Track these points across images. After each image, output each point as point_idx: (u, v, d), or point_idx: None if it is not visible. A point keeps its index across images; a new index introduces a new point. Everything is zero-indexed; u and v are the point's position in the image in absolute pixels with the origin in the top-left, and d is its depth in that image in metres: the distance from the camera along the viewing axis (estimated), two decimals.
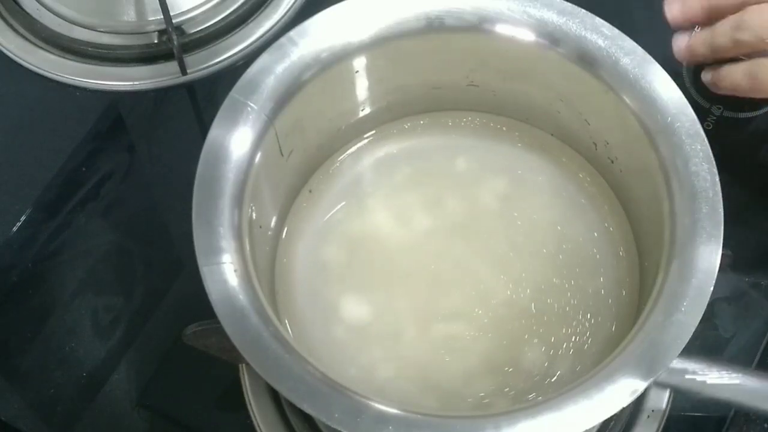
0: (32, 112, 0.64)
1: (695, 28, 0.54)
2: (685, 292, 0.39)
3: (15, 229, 0.59)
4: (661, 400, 0.52)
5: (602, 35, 0.45)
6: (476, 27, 0.46)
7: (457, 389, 0.46)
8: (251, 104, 0.43)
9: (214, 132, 0.43)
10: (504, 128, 0.52)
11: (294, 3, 0.66)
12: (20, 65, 0.64)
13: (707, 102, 0.60)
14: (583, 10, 0.45)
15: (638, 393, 0.37)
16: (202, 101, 0.64)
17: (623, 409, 0.38)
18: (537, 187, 0.50)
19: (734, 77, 0.52)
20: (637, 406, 0.52)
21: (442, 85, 0.50)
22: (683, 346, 0.38)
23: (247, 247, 0.41)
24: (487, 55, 0.48)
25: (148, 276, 0.59)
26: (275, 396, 0.52)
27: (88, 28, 0.66)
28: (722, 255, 0.40)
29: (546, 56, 0.46)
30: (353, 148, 0.52)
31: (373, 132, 0.52)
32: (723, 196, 0.41)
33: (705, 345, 0.53)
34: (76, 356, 0.55)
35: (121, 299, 0.57)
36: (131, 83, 0.63)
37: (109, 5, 0.66)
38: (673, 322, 0.38)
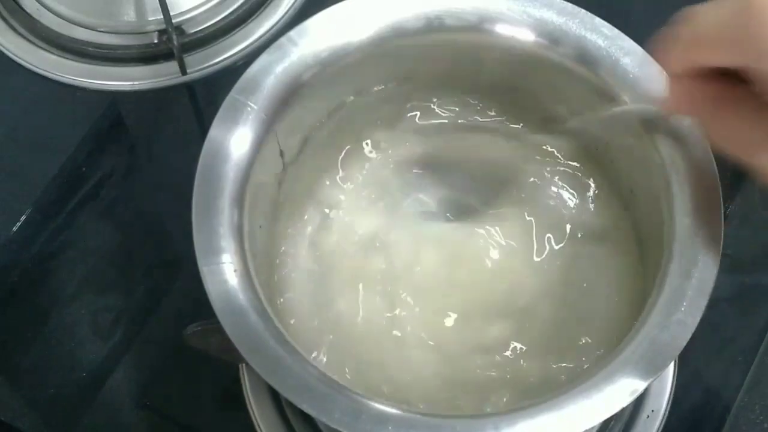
0: (32, 112, 0.64)
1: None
2: (685, 292, 0.39)
3: (15, 229, 0.59)
4: (661, 400, 0.52)
5: (602, 35, 0.45)
6: (476, 27, 0.46)
7: (457, 390, 0.46)
8: (251, 104, 0.43)
9: (214, 132, 0.43)
10: (504, 128, 0.52)
11: (294, 3, 0.66)
12: (20, 65, 0.64)
13: None
14: (583, 10, 0.45)
15: (638, 393, 0.37)
16: (202, 101, 0.64)
17: (623, 409, 0.38)
18: (537, 187, 0.50)
19: None
20: (637, 406, 0.52)
21: (442, 85, 0.50)
22: (683, 346, 0.38)
23: (247, 247, 0.41)
24: (487, 55, 0.47)
25: (148, 276, 0.59)
26: (275, 396, 0.52)
27: (88, 28, 0.66)
28: (722, 255, 0.40)
29: (546, 56, 0.46)
30: (353, 148, 0.52)
31: (373, 132, 0.52)
32: (723, 196, 0.41)
33: (705, 345, 0.53)
34: (76, 356, 0.55)
35: (121, 299, 0.57)
36: (131, 83, 0.64)
37: (109, 5, 0.66)
38: (673, 322, 0.38)
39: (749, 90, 0.34)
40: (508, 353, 0.46)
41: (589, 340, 0.46)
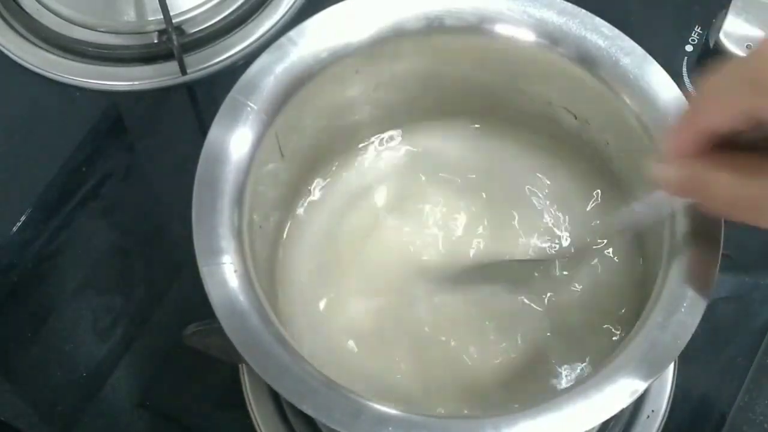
0: (32, 112, 0.64)
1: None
2: (685, 292, 0.39)
3: (15, 229, 0.59)
4: (661, 400, 0.52)
5: (602, 35, 0.45)
6: (476, 27, 0.46)
7: (458, 392, 0.46)
8: (251, 104, 0.43)
9: (214, 132, 0.43)
10: (504, 128, 0.52)
11: (294, 3, 0.66)
12: (20, 65, 0.64)
13: None
14: (583, 10, 0.45)
15: (638, 393, 0.37)
16: (202, 101, 0.64)
17: (623, 410, 0.38)
18: (537, 187, 0.50)
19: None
20: (637, 406, 0.52)
21: (442, 85, 0.50)
22: (683, 346, 0.38)
23: (247, 247, 0.41)
24: (487, 55, 0.47)
25: (148, 276, 0.59)
26: (275, 396, 0.52)
27: (88, 28, 0.66)
28: (722, 255, 0.40)
29: (546, 56, 0.46)
30: (353, 149, 0.52)
31: (374, 132, 0.52)
32: None
33: (705, 345, 0.53)
34: (76, 356, 0.55)
35: (121, 299, 0.57)
36: (131, 83, 0.64)
37: (109, 5, 0.66)
38: (673, 322, 0.38)
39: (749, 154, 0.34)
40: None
41: (591, 341, 0.46)
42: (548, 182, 0.50)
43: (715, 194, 0.35)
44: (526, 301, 0.47)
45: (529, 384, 0.46)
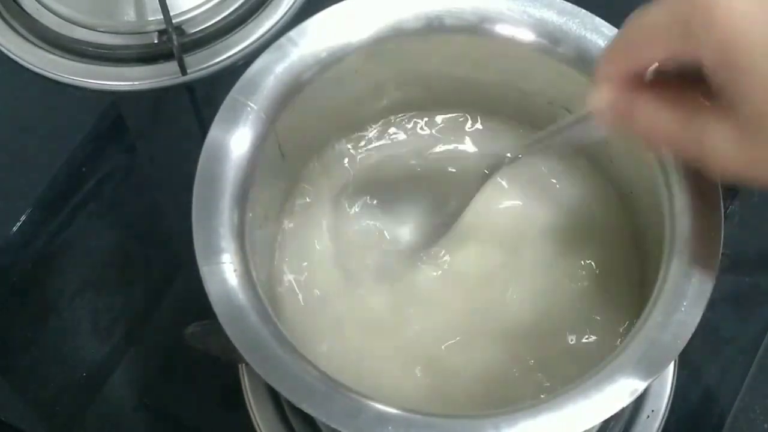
0: (32, 112, 0.64)
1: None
2: (685, 292, 0.39)
3: (15, 229, 0.59)
4: (661, 400, 0.52)
5: (602, 35, 0.45)
6: (476, 27, 0.46)
7: (458, 392, 0.46)
8: (251, 104, 0.43)
9: (214, 132, 0.43)
10: (503, 127, 0.52)
11: (294, 3, 0.66)
12: (20, 65, 0.65)
13: None
14: (583, 10, 0.45)
15: (638, 393, 0.37)
16: (202, 101, 0.64)
17: (623, 409, 0.38)
18: (537, 187, 0.50)
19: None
20: (637, 406, 0.52)
21: (442, 85, 0.50)
22: (683, 346, 0.38)
23: (247, 247, 0.41)
24: (487, 55, 0.48)
25: (148, 276, 0.59)
26: (275, 396, 0.52)
27: (88, 28, 0.66)
28: (722, 255, 0.40)
29: (546, 56, 0.46)
30: (353, 149, 0.52)
31: (373, 132, 0.52)
32: (723, 196, 0.41)
33: (705, 345, 0.54)
34: (76, 356, 0.55)
35: (121, 299, 0.57)
36: (131, 83, 0.64)
37: (109, 5, 0.66)
38: (673, 322, 0.38)
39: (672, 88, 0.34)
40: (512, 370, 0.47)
41: (591, 340, 0.46)
42: (547, 181, 0.50)
43: (650, 127, 0.35)
44: (516, 297, 0.48)
45: (516, 384, 0.46)
